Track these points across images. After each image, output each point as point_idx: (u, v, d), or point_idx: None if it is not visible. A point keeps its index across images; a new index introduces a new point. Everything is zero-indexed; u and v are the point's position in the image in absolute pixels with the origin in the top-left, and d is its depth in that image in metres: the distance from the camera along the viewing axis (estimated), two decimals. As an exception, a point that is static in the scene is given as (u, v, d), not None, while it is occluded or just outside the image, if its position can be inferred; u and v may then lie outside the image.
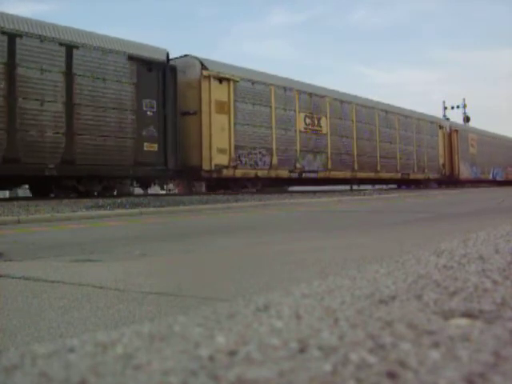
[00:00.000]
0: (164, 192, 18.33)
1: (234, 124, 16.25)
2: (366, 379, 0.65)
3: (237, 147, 16.30)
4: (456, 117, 46.25)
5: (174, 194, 18.52)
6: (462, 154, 30.41)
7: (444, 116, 41.47)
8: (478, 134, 33.89)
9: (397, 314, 0.96)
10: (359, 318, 0.94)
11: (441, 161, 28.70)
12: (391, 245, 4.04)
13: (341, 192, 19.03)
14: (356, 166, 21.58)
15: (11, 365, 0.73)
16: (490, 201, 12.37)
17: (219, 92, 15.85)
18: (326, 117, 20.12)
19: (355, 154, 21.56)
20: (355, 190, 22.32)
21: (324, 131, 19.95)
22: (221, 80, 16.04)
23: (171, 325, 0.93)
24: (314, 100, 19.64)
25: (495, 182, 35.72)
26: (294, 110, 18.68)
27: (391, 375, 0.66)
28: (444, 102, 44.95)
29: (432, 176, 27.63)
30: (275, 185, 19.39)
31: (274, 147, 17.67)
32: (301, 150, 18.76)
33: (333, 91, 21.20)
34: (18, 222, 7.52)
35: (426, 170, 27.07)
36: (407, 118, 25.82)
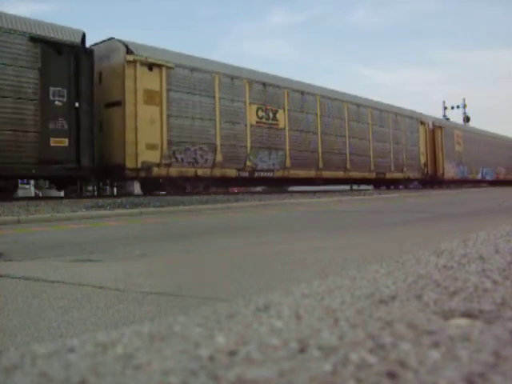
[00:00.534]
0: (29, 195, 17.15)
1: (168, 116, 14.24)
2: (366, 379, 0.65)
3: (171, 142, 14.32)
4: (456, 117, 46.26)
5: (174, 194, 18.53)
6: (446, 152, 28.45)
7: (444, 116, 41.46)
8: (464, 131, 31.93)
9: (397, 314, 0.96)
10: (359, 317, 0.94)
11: (422, 159, 26.63)
12: (391, 245, 4.04)
13: (341, 192, 19.03)
14: (321, 165, 19.48)
15: (11, 365, 0.73)
16: (489, 201, 12.37)
17: (149, 80, 13.83)
18: (283, 110, 18.04)
19: (320, 150, 19.45)
20: (355, 190, 22.30)
21: (281, 125, 17.91)
22: (151, 66, 13.98)
23: (171, 325, 0.93)
24: (268, 91, 17.53)
25: (484, 183, 34.00)
26: (244, 102, 16.56)
27: (391, 375, 0.66)
28: (444, 102, 44.96)
29: (412, 175, 25.65)
30: (222, 185, 17.91)
31: (219, 143, 15.63)
32: (252, 147, 16.74)
33: (292, 81, 19.07)
34: (18, 221, 7.52)
35: (404, 169, 24.98)
36: (382, 113, 23.65)
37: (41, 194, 18.71)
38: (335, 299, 1.10)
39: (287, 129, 18.19)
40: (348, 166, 21.14)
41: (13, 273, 3.08)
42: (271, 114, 17.66)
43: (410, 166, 25.48)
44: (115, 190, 18.24)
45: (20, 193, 17.92)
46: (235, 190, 21.86)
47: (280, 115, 17.98)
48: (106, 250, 4.44)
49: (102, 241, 5.35)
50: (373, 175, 22.64)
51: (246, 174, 16.60)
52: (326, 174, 19.79)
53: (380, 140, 23.24)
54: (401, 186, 24.91)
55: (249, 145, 16.69)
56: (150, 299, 2.29)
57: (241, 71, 16.92)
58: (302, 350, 0.76)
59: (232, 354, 0.76)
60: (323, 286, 1.26)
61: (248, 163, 16.60)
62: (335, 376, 0.66)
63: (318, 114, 19.64)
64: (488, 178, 34.32)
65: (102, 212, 9.02)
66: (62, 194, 16.30)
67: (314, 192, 18.22)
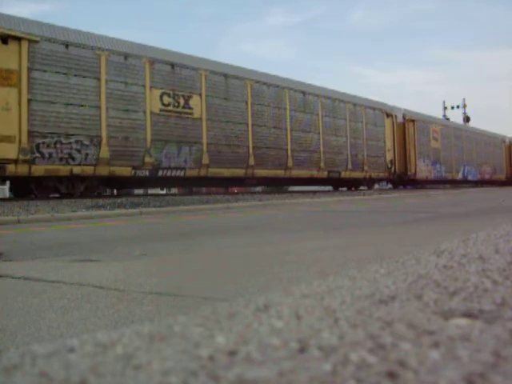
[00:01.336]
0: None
1: (29, 101, 11.53)
2: (366, 379, 0.65)
3: (33, 134, 11.56)
4: (456, 117, 46.13)
5: (174, 194, 18.53)
6: (420, 149, 25.29)
7: (444, 116, 41.41)
8: (443, 125, 28.43)
9: (397, 314, 0.96)
10: (359, 317, 0.94)
11: (388, 156, 23.30)
12: (391, 245, 4.04)
13: (341, 192, 19.04)
14: (252, 161, 16.46)
15: (11, 365, 0.73)
16: (489, 201, 12.37)
17: (2, 56, 11.23)
18: (199, 96, 14.98)
19: (251, 145, 16.45)
20: (355, 190, 22.19)
21: (196, 115, 14.83)
22: (6, 39, 11.27)
23: (171, 325, 0.93)
24: (178, 73, 14.55)
25: (466, 183, 31.01)
26: (143, 85, 13.69)
27: (391, 375, 0.66)
28: (444, 102, 44.92)
29: (375, 175, 22.45)
30: (114, 185, 15.24)
31: (105, 134, 12.73)
32: (155, 140, 13.84)
33: (212, 62, 16.04)
34: (18, 222, 7.52)
35: (365, 168, 21.71)
36: (336, 102, 20.36)
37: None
38: (335, 299, 1.10)
39: (205, 119, 15.04)
40: (290, 163, 17.91)
41: (13, 273, 3.08)
42: (182, 101, 14.51)
43: (372, 163, 22.18)
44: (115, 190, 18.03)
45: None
46: (235, 190, 21.77)
47: (194, 102, 14.85)
48: (105, 250, 4.44)
49: (102, 241, 5.35)
50: (323, 174, 19.50)
51: (145, 173, 13.71)
52: (260, 172, 16.76)
53: (333, 133, 20.06)
54: (363, 187, 22.07)
55: (149, 137, 13.70)
56: (149, 299, 2.29)
57: (140, 48, 14.03)
58: (301, 350, 0.76)
59: (232, 353, 0.76)
60: (323, 286, 1.26)
61: (148, 159, 13.65)
62: (335, 376, 0.66)
63: (249, 101, 16.47)
64: (471, 177, 31.22)
65: (101, 212, 9.02)
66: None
67: (314, 192, 18.22)
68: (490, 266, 1.45)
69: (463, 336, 0.81)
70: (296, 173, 18.22)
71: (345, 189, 21.55)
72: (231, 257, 3.95)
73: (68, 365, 0.73)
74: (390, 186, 25.62)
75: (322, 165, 19.36)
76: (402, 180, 24.59)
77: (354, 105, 21.48)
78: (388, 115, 23.57)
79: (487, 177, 33.51)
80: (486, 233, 2.38)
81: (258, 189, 25.34)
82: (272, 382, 0.65)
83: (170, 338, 0.85)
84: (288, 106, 18.08)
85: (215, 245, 4.74)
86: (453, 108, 44.05)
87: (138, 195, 15.97)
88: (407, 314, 0.96)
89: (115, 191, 17.10)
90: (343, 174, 20.60)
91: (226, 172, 15.81)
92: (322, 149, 19.39)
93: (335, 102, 20.44)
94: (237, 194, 17.45)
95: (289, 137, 17.97)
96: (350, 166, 20.87)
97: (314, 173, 19.11)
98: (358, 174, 21.35)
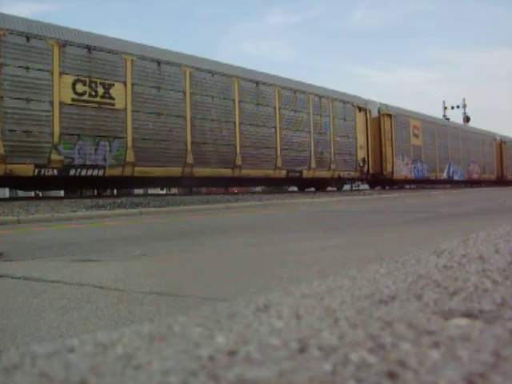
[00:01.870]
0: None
1: None
2: (365, 379, 0.65)
3: None
4: (456, 117, 46.06)
5: (174, 194, 18.51)
6: (398, 146, 23.20)
7: (444, 116, 41.39)
8: (425, 121, 26.04)
9: (397, 314, 0.96)
10: (359, 317, 0.94)
11: (361, 154, 21.05)
12: (391, 245, 4.04)
13: (341, 192, 19.03)
14: (190, 159, 14.50)
15: (11, 365, 0.73)
16: (489, 201, 12.37)
17: None
18: (124, 84, 13.05)
19: (189, 140, 14.46)
20: (355, 190, 22.17)
21: (119, 105, 12.93)
22: None
23: (171, 325, 0.93)
24: (97, 57, 12.63)
25: (451, 183, 29.14)
26: (50, 71, 11.80)
27: (391, 375, 0.66)
28: (444, 102, 44.92)
29: (345, 174, 20.26)
30: (14, 186, 13.70)
31: None
32: (64, 134, 11.97)
33: (142, 46, 14.00)
34: (18, 222, 7.52)
35: (333, 166, 19.49)
36: (297, 94, 18.12)
37: (41, 194, 18.67)
38: (335, 299, 1.10)
39: (130, 110, 13.12)
40: (238, 161, 15.83)
41: (13, 273, 3.08)
42: (101, 90, 12.62)
43: (341, 162, 19.95)
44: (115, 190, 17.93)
45: (20, 192, 17.90)
46: (235, 190, 21.76)
47: (117, 92, 12.93)
48: (105, 249, 4.44)
49: (102, 241, 5.35)
50: (281, 173, 17.36)
51: (52, 172, 11.86)
52: (201, 171, 14.86)
53: (293, 128, 17.89)
54: (330, 188, 20.13)
55: (57, 131, 11.82)
56: (149, 299, 2.29)
57: (47, 28, 12.03)
58: (301, 350, 0.76)
59: (232, 353, 0.76)
60: (323, 286, 1.26)
61: (55, 157, 11.82)
62: (335, 376, 0.66)
63: (187, 91, 14.53)
64: (457, 177, 29.08)
65: (101, 212, 9.02)
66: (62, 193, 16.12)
67: (314, 192, 18.21)
68: (490, 266, 1.45)
69: (463, 336, 0.81)
70: (247, 172, 16.13)
71: (313, 189, 19.72)
72: (231, 257, 3.95)
73: (68, 365, 0.73)
74: (365, 186, 23.64)
75: (279, 163, 17.19)
76: (378, 180, 22.49)
77: (320, 97, 19.10)
78: (360, 109, 21.22)
79: (475, 176, 31.43)
80: (486, 233, 2.38)
81: (258, 189, 25.28)
82: (272, 382, 0.65)
83: (169, 337, 0.85)
84: (237, 97, 15.93)
85: (215, 245, 4.74)
86: (453, 108, 44.05)
87: (138, 195, 15.97)
88: (407, 313, 0.96)
89: (115, 191, 16.94)
90: (306, 174, 18.26)
91: (158, 171, 13.80)
92: (278, 145, 17.20)
93: (297, 94, 18.11)
94: (237, 194, 17.45)
95: (238, 131, 15.85)
96: (313, 165, 18.53)
97: (270, 172, 16.98)
98: (323, 174, 19.09)
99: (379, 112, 22.60)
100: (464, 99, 43.79)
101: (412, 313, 0.97)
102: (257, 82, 16.73)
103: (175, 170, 14.26)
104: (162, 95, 14.01)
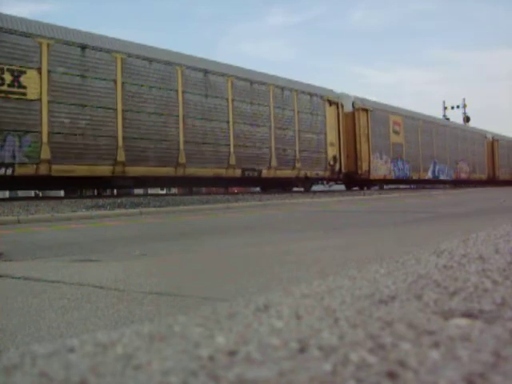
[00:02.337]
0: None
1: None
2: (366, 379, 0.65)
3: None
4: (456, 117, 45.99)
5: (174, 194, 18.50)
6: (376, 144, 21.31)
7: (444, 116, 41.37)
8: (406, 116, 24.32)
9: (397, 314, 0.96)
10: (359, 317, 0.94)
11: (331, 152, 19.09)
12: (391, 245, 4.04)
13: (341, 192, 19.03)
14: (122, 156, 12.83)
15: (11, 365, 0.73)
16: (489, 201, 12.37)
17: None
18: (38, 71, 11.46)
19: (120, 135, 12.79)
20: (355, 190, 22.11)
21: (33, 95, 11.35)
22: None
23: (171, 325, 0.93)
24: (3, 40, 11.05)
25: (437, 184, 27.38)
26: None
27: (391, 375, 0.66)
28: (444, 102, 44.91)
29: (312, 173, 18.31)
30: None
31: None
32: None
33: (62, 29, 12.33)
34: (18, 221, 7.52)
35: (298, 165, 17.61)
36: (255, 85, 16.29)
37: (41, 194, 18.66)
38: (335, 299, 1.10)
39: (45, 101, 11.54)
40: (182, 159, 14.12)
41: (13, 273, 3.08)
42: (8, 77, 11.06)
43: (308, 160, 17.96)
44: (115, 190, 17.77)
45: (20, 192, 17.90)
46: (235, 190, 21.72)
47: (30, 80, 11.37)
48: (105, 249, 4.44)
49: (102, 241, 5.35)
50: (235, 173, 15.59)
51: None
52: (136, 170, 13.17)
53: (250, 123, 15.99)
54: (297, 189, 18.47)
55: None
56: (149, 299, 2.29)
57: None
58: (301, 350, 0.76)
59: (232, 353, 0.76)
60: (323, 286, 1.26)
61: None
62: (335, 376, 0.66)
63: (119, 80, 12.92)
64: (443, 177, 27.28)
65: (101, 212, 9.02)
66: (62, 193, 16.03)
67: (314, 192, 18.21)
68: (490, 266, 1.45)
69: (463, 336, 0.81)
70: (192, 171, 14.40)
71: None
72: (231, 257, 3.95)
73: (68, 365, 0.73)
74: (341, 187, 21.73)
75: (232, 161, 15.28)
76: (353, 180, 20.77)
77: (282, 88, 17.19)
78: (331, 103, 19.22)
79: (464, 176, 29.59)
80: (485, 233, 2.38)
81: (258, 189, 25.26)
82: (272, 382, 0.65)
83: (169, 337, 0.85)
84: (180, 88, 14.20)
85: (215, 245, 4.74)
86: (453, 108, 44.05)
87: (138, 195, 15.97)
88: (407, 313, 0.96)
89: (115, 191, 16.79)
90: (266, 173, 16.38)
91: (81, 170, 12.08)
92: (232, 141, 15.29)
93: (253, 85, 16.27)
94: (237, 193, 17.44)
95: (181, 125, 14.13)
96: (274, 163, 16.53)
97: (222, 171, 15.16)
98: (287, 173, 17.20)
99: (354, 106, 20.69)
100: (464, 99, 43.83)
101: (412, 313, 0.97)
102: (205, 71, 14.94)
103: (103, 169, 12.53)
104: (87, 84, 12.36)
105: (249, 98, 16.14)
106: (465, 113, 43.10)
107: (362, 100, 21.51)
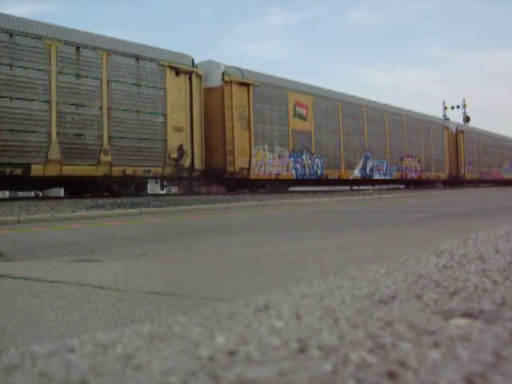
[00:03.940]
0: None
1: None
2: (366, 379, 0.65)
3: None
4: (456, 117, 45.90)
5: (174, 194, 18.50)
6: (263, 132, 15.96)
7: (444, 116, 41.32)
8: (317, 96, 18.33)
9: (397, 314, 0.96)
10: (359, 317, 0.94)
11: (175, 140, 13.67)
12: (391, 245, 4.04)
13: (341, 192, 19.02)
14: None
15: (11, 365, 0.73)
16: (489, 201, 12.37)
17: None
18: None
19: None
20: (355, 190, 22.06)
21: None
22: None
23: (171, 325, 0.93)
24: None
25: (367, 183, 21.60)
26: None
27: (391, 375, 0.66)
28: (444, 102, 44.89)
29: (139, 171, 12.97)
30: None
31: None
32: None
33: None
34: (18, 221, 7.52)
35: (106, 158, 12.29)
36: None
37: (41, 194, 18.63)
38: (335, 299, 1.10)
39: None
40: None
41: (13, 273, 3.08)
42: None
43: (129, 151, 12.80)
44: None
45: (20, 192, 17.87)
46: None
47: None
48: (105, 249, 4.44)
49: (102, 241, 5.35)
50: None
51: None
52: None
53: (9, 95, 10.72)
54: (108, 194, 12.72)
55: None
56: (149, 299, 2.29)
57: None
58: (301, 350, 0.76)
59: (232, 353, 0.76)
60: (323, 286, 1.26)
61: None
62: (335, 376, 0.66)
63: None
64: (380, 176, 21.57)
65: (101, 212, 9.02)
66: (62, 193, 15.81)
67: (314, 192, 18.19)
68: (490, 266, 1.45)
69: (463, 336, 0.81)
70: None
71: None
72: (231, 257, 3.95)
73: (68, 365, 0.73)
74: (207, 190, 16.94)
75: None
76: (221, 179, 15.72)
77: (77, 47, 11.86)
78: (178, 72, 13.86)
79: (412, 175, 23.94)
80: (485, 233, 2.38)
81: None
82: (272, 382, 0.65)
83: (169, 337, 0.85)
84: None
85: (215, 245, 4.74)
86: (453, 108, 44.01)
87: (138, 195, 15.95)
88: (407, 313, 0.96)
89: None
90: (37, 170, 11.22)
91: None
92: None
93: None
94: (237, 194, 17.42)
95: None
96: (56, 155, 11.40)
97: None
98: (83, 170, 12.02)
99: (223, 79, 15.06)
100: (464, 99, 43.78)
101: (412, 313, 0.97)
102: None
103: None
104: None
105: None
106: (465, 113, 43.07)
107: (241, 70, 15.80)
